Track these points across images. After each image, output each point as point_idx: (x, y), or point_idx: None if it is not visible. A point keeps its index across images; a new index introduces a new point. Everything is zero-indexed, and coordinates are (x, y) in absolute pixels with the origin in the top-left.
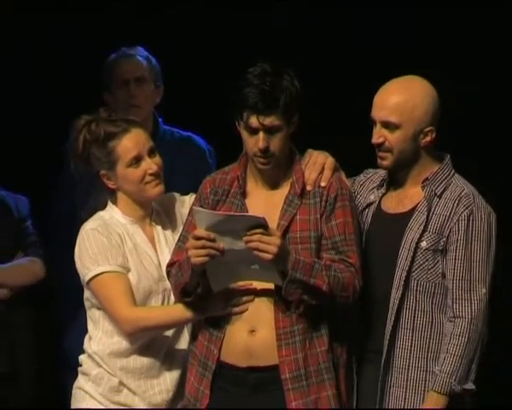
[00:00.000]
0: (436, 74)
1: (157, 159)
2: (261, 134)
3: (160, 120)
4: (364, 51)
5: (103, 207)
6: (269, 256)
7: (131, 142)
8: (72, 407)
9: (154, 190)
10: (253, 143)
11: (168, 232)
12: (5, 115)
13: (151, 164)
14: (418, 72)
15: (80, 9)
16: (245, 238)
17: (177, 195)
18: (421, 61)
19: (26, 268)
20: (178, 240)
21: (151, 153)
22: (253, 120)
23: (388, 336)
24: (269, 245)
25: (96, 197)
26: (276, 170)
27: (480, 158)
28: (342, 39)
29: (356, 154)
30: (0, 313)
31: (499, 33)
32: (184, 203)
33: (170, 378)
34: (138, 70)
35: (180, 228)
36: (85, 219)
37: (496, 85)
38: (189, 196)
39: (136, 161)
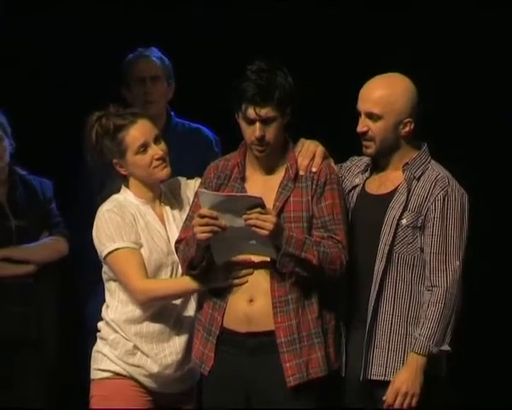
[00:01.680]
0: (436, 74)
1: (162, 145)
2: (258, 124)
3: (172, 113)
4: (364, 51)
5: (118, 191)
6: (265, 232)
7: (138, 131)
8: (92, 368)
9: (162, 172)
10: (251, 133)
11: (176, 211)
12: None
13: (157, 150)
14: (417, 71)
15: (80, 9)
16: (244, 216)
17: (183, 179)
18: (421, 60)
19: (51, 247)
20: (186, 219)
21: (156, 140)
22: (251, 112)
23: (372, 304)
24: (265, 222)
25: (110, 184)
26: (272, 157)
27: (480, 156)
28: (342, 39)
29: (345, 143)
30: (28, 286)
31: (499, 33)
32: (190, 186)
33: (179, 342)
34: (153, 69)
35: (186, 208)
36: (102, 203)
37: (496, 85)
38: (194, 179)
39: (144, 148)
